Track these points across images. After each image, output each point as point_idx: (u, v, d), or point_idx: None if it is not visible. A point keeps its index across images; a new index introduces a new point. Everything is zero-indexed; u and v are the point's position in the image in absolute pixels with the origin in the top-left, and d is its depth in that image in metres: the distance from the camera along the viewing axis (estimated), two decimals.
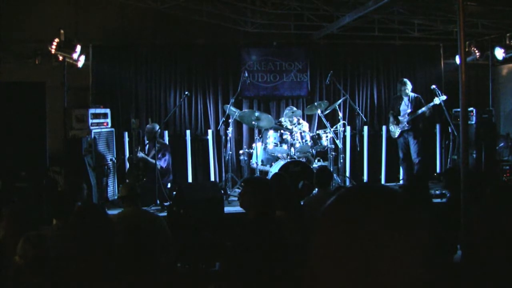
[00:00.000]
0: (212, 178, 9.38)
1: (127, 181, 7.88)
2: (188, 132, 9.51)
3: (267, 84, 9.95)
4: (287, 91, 10.03)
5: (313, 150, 8.59)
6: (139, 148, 8.09)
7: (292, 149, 8.20)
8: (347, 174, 9.37)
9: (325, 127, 8.54)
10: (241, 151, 8.95)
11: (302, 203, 5.42)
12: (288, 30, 9.84)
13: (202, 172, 9.65)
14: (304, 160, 8.29)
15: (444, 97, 8.49)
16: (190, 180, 9.33)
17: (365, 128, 9.75)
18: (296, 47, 10.20)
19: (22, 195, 6.01)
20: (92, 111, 8.25)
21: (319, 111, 8.57)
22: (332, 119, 9.06)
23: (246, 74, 9.14)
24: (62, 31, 7.89)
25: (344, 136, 9.15)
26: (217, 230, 5.47)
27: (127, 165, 8.37)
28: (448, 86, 9.59)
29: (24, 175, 6.21)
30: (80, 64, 8.32)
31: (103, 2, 9.49)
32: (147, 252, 3.18)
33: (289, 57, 10.04)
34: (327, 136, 8.45)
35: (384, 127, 9.82)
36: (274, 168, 7.96)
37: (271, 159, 8.49)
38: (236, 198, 8.18)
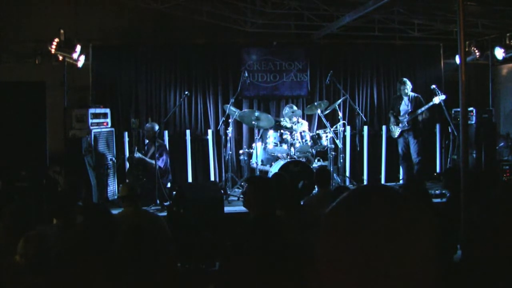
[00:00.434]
0: (212, 178, 9.39)
1: (127, 181, 7.89)
2: (188, 132, 9.51)
3: (267, 84, 9.95)
4: (287, 91, 10.03)
5: (313, 150, 8.59)
6: (137, 148, 8.09)
7: (292, 149, 8.20)
8: (347, 174, 9.37)
9: (325, 127, 8.54)
10: (241, 151, 8.96)
11: (302, 203, 5.42)
12: (288, 30, 9.84)
13: (202, 172, 9.65)
14: (304, 160, 8.29)
15: (443, 97, 8.48)
16: (190, 180, 9.33)
17: (365, 128, 9.75)
18: (296, 47, 10.20)
19: (22, 195, 6.01)
20: (92, 111, 8.25)
21: (319, 111, 8.57)
22: (332, 119, 9.06)
23: (246, 74, 9.13)
24: (62, 31, 7.89)
25: (344, 136, 9.15)
26: (217, 230, 5.47)
27: (127, 165, 8.37)
28: (448, 86, 9.58)
29: (24, 175, 6.21)
30: (80, 64, 8.32)
31: (103, 2, 9.49)
32: (147, 252, 3.18)
33: (289, 57, 10.03)
34: (327, 136, 8.45)
35: (384, 127, 9.82)
36: (274, 168, 7.96)
37: (271, 159, 8.49)
38: (236, 198, 8.20)
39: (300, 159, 8.19)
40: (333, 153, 8.53)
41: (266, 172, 8.32)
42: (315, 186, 7.18)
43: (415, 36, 9.99)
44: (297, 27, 9.83)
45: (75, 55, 8.02)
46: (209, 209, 6.07)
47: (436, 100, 8.51)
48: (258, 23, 9.28)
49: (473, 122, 8.85)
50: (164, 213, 6.54)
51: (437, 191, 8.04)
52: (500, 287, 2.23)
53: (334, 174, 8.36)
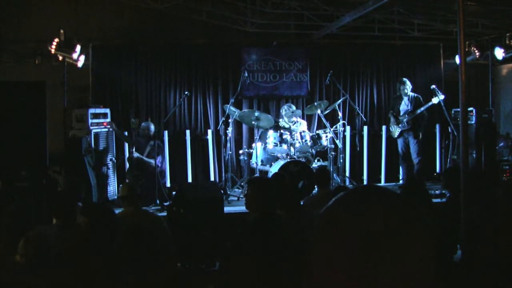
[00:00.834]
0: (212, 178, 9.39)
1: (127, 181, 7.89)
2: (188, 132, 9.51)
3: (267, 84, 9.95)
4: (287, 91, 10.03)
5: (312, 150, 8.59)
6: (135, 148, 8.10)
7: (292, 149, 8.20)
8: (347, 174, 9.37)
9: (325, 127, 8.54)
10: (241, 151, 8.95)
11: (302, 203, 5.42)
12: (288, 30, 9.85)
13: (202, 172, 9.65)
14: (303, 160, 8.29)
15: (442, 97, 8.48)
16: (190, 180, 9.33)
17: (365, 128, 9.75)
18: (296, 47, 10.20)
19: (22, 195, 6.00)
20: (92, 111, 8.25)
21: (319, 111, 8.56)
22: (332, 119, 9.06)
23: (246, 74, 9.13)
24: (62, 31, 7.89)
25: (344, 136, 9.15)
26: (217, 230, 5.47)
27: (127, 165, 8.37)
28: (448, 86, 9.58)
29: (24, 175, 6.21)
30: (80, 64, 8.32)
31: (103, 2, 9.50)
32: (147, 252, 3.18)
33: (289, 57, 10.03)
34: (327, 136, 8.45)
35: (384, 127, 9.83)
36: (274, 168, 7.96)
37: (271, 159, 8.49)
38: (236, 198, 8.20)
39: (300, 159, 8.19)
40: (333, 153, 8.53)
41: (266, 172, 8.32)
42: (315, 186, 7.19)
43: (415, 36, 10.00)
44: (297, 27, 9.83)
45: (75, 55, 8.02)
46: (209, 209, 6.07)
47: (435, 100, 8.51)
48: (258, 23, 9.29)
49: (473, 122, 8.85)
50: (164, 213, 6.54)
51: (437, 191, 8.04)
52: (500, 287, 2.23)
53: (334, 174, 8.36)
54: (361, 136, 9.77)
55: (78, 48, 8.04)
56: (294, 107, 8.90)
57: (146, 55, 9.60)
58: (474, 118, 8.88)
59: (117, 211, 5.19)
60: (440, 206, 6.06)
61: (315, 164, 8.51)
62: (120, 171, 8.76)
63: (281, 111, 9.02)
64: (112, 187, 8.56)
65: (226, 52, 9.89)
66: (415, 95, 8.95)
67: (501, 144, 9.71)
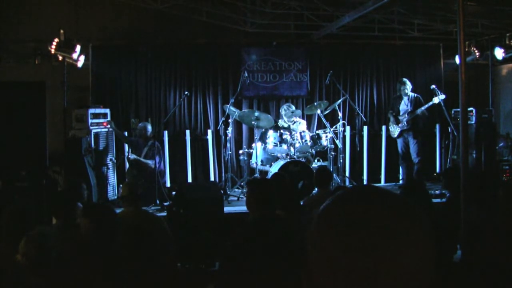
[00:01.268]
0: (212, 178, 9.39)
1: (127, 180, 7.89)
2: (187, 132, 9.51)
3: (267, 84, 9.95)
4: (287, 91, 10.03)
5: (312, 150, 8.59)
6: (131, 150, 8.09)
7: (292, 149, 8.19)
8: (347, 174, 9.37)
9: (324, 127, 8.54)
10: (240, 151, 8.95)
11: (302, 203, 5.42)
12: (288, 30, 9.84)
13: (202, 172, 9.65)
14: (303, 160, 8.29)
15: (442, 97, 8.49)
16: (190, 180, 9.33)
17: (365, 128, 9.75)
18: (296, 47, 10.21)
19: (22, 195, 6.00)
20: (92, 111, 8.25)
21: (318, 111, 8.56)
22: (332, 119, 9.07)
23: (246, 74, 9.13)
24: (62, 31, 7.89)
25: (344, 136, 9.15)
26: (217, 230, 5.47)
27: (127, 165, 8.37)
28: (448, 86, 9.59)
29: (24, 175, 6.21)
30: (80, 64, 8.32)
31: (103, 2, 9.50)
32: (147, 252, 3.18)
33: (289, 57, 10.03)
34: (326, 136, 8.45)
35: (384, 127, 9.83)
36: (274, 168, 7.96)
37: (271, 159, 8.49)
38: (236, 198, 8.21)
39: (300, 159, 8.19)
40: (333, 153, 8.53)
41: (266, 172, 8.32)
42: (315, 186, 7.18)
43: (415, 36, 10.00)
44: (297, 27, 9.83)
45: (75, 55, 8.02)
46: (209, 209, 6.07)
47: (436, 100, 8.51)
48: (258, 23, 9.29)
49: (473, 122, 8.85)
50: (164, 213, 6.54)
51: (437, 191, 8.03)
52: (500, 287, 2.24)
53: (334, 174, 8.35)
54: (361, 136, 9.76)
55: (78, 48, 8.04)
56: (293, 107, 8.90)
57: (146, 55, 9.60)
58: (474, 118, 8.88)
59: (117, 211, 5.20)
60: (440, 206, 6.06)
61: (315, 164, 8.50)
62: (120, 171, 8.76)
63: (280, 110, 9.02)
64: (112, 187, 8.56)
65: (226, 52, 9.89)
66: (415, 95, 8.95)
67: (501, 144, 9.71)
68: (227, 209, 7.11)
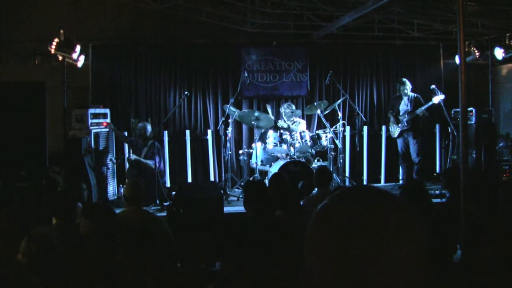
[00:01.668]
0: (212, 178, 9.39)
1: (127, 180, 7.89)
2: (187, 132, 9.51)
3: (266, 84, 9.96)
4: (287, 91, 10.03)
5: (312, 150, 8.59)
6: (131, 150, 8.09)
7: (292, 149, 8.20)
8: (347, 174, 9.37)
9: (324, 127, 8.55)
10: (240, 151, 8.96)
11: (302, 203, 5.42)
12: (288, 30, 9.84)
13: (202, 172, 9.65)
14: (303, 160, 8.30)
15: (442, 96, 8.49)
16: (190, 180, 9.33)
17: (365, 128, 9.75)
18: (296, 47, 10.20)
19: (22, 195, 6.00)
20: (91, 111, 8.25)
21: (318, 111, 8.57)
22: (332, 119, 9.07)
23: (246, 74, 9.14)
24: (62, 31, 7.89)
25: (344, 136, 9.15)
26: (217, 230, 5.46)
27: (127, 165, 8.38)
28: (448, 86, 9.59)
29: (24, 175, 6.20)
30: (79, 64, 8.32)
31: (103, 2, 9.50)
32: (147, 252, 3.18)
33: (289, 57, 10.04)
34: (326, 136, 8.45)
35: (383, 127, 9.83)
36: (274, 168, 7.96)
37: (271, 159, 8.49)
38: (235, 198, 8.21)
39: (300, 159, 8.19)
40: (332, 153, 8.54)
41: (266, 172, 8.33)
42: (315, 186, 7.18)
43: (415, 36, 10.00)
44: (296, 27, 9.83)
45: (74, 55, 8.01)
46: (209, 209, 6.07)
47: (436, 100, 8.51)
48: (258, 23, 9.29)
49: (473, 122, 8.84)
50: (164, 213, 6.54)
51: (437, 191, 8.04)
52: (500, 287, 2.24)
53: (334, 174, 8.35)
54: (361, 136, 9.77)
55: (78, 48, 8.04)
56: (293, 107, 8.91)
57: (146, 55, 9.60)
58: (474, 118, 8.88)
59: (117, 211, 5.20)
60: (440, 206, 6.07)
61: (315, 164, 8.51)
62: (119, 171, 8.76)
63: (280, 110, 9.02)
64: (112, 187, 8.56)
65: (226, 52, 9.90)
66: (415, 95, 8.96)
67: (501, 144, 9.71)
68: (227, 209, 7.11)
